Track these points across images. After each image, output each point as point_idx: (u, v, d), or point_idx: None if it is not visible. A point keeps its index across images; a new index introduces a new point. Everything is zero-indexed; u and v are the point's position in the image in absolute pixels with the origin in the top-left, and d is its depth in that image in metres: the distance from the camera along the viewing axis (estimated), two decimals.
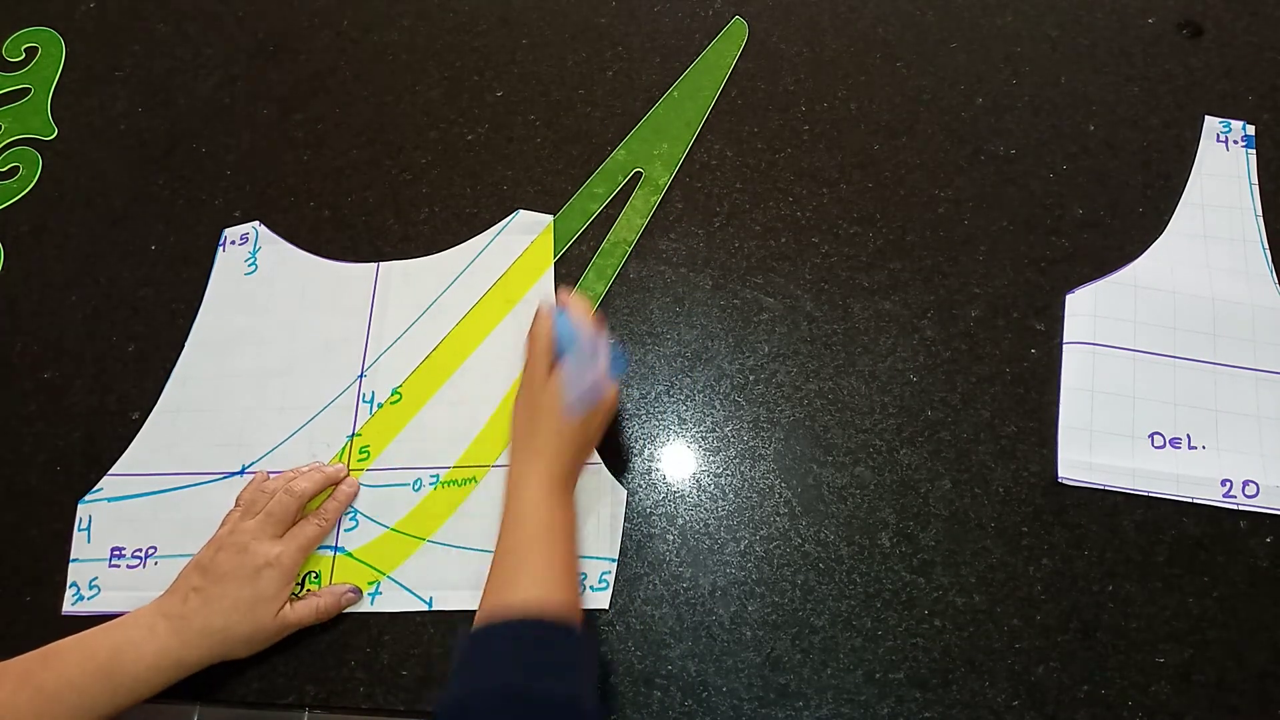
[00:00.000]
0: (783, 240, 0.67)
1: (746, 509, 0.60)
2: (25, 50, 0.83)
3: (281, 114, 0.77)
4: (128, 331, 0.70)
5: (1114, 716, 0.53)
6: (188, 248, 0.72)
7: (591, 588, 0.58)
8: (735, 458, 0.61)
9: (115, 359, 0.69)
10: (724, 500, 0.60)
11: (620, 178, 0.70)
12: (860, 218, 0.68)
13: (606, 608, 0.58)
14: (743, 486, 0.61)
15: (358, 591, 0.59)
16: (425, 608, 0.59)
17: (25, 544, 0.64)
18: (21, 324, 0.71)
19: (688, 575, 0.59)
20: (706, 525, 0.60)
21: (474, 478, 0.62)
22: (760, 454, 0.61)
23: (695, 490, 0.61)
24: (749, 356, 0.64)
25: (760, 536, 0.59)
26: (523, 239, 0.69)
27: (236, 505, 0.60)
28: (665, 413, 0.63)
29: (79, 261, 0.73)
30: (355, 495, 0.62)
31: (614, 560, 0.59)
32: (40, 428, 0.67)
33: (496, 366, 0.65)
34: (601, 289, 0.67)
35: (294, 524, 0.59)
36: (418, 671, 0.57)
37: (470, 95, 0.75)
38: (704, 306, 0.66)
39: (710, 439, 0.62)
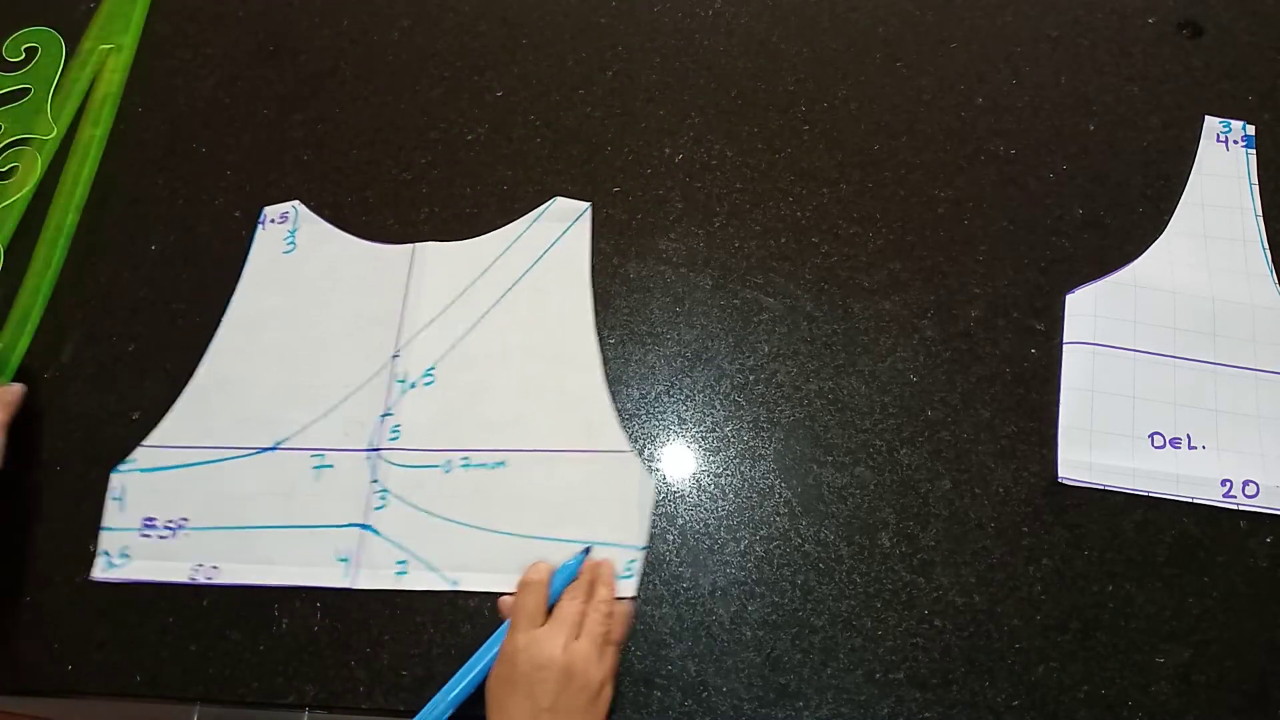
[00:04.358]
0: (783, 240, 0.67)
1: (746, 509, 0.60)
2: (25, 50, 0.83)
3: (281, 114, 0.77)
4: (128, 331, 0.70)
5: (1114, 716, 0.53)
6: (188, 248, 0.72)
7: (618, 576, 0.58)
8: (735, 458, 0.61)
9: (115, 359, 0.69)
10: (724, 500, 0.60)
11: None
12: (860, 218, 0.68)
13: (635, 595, 0.58)
14: (743, 486, 0.61)
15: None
16: (451, 588, 0.59)
17: (25, 543, 0.64)
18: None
19: (688, 575, 0.59)
20: (706, 525, 0.60)
21: (504, 461, 0.62)
22: (760, 454, 0.61)
23: (695, 490, 0.61)
24: (749, 356, 0.64)
25: (760, 536, 0.59)
26: (559, 225, 0.69)
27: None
28: (665, 413, 0.63)
29: (79, 261, 0.73)
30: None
31: (642, 549, 0.59)
32: (40, 428, 0.67)
33: (529, 352, 0.65)
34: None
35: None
36: (418, 672, 0.57)
37: (470, 95, 0.75)
38: (704, 306, 0.66)
39: (710, 439, 0.62)
